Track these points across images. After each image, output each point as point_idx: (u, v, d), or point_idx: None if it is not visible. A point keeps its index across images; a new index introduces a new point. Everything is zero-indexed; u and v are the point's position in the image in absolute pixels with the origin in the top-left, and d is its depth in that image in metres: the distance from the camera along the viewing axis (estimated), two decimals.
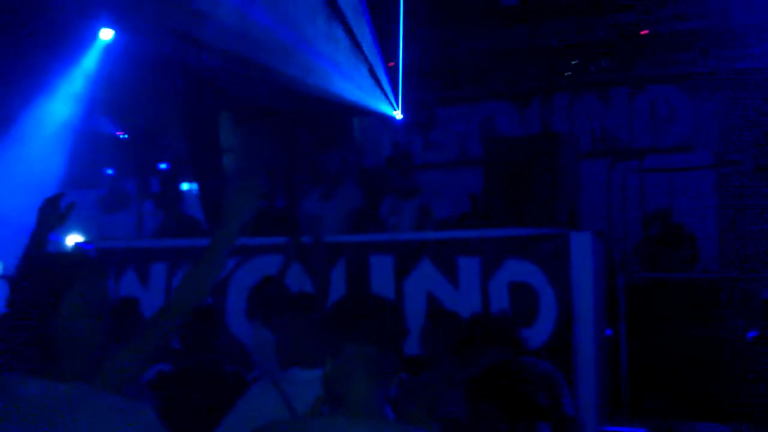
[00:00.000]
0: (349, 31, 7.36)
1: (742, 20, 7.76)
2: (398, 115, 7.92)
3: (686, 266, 6.41)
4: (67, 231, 6.51)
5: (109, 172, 7.59)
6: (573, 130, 9.19)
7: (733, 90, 8.48)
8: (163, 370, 3.43)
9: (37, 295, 1.79)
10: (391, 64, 8.08)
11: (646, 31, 8.39)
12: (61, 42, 7.11)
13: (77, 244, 4.94)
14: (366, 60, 7.50)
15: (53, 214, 2.72)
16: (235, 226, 2.29)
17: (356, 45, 7.45)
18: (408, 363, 3.28)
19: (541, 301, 4.00)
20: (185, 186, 8.10)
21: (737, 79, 8.31)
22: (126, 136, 8.53)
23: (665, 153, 8.57)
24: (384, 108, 7.93)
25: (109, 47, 7.43)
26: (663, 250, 6.38)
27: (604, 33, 8.32)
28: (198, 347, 3.51)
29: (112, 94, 7.64)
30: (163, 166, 8.09)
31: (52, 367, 1.78)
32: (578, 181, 5.86)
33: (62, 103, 7.53)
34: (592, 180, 8.54)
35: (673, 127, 8.88)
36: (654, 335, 5.14)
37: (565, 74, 9.14)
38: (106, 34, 7.31)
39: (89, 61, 7.55)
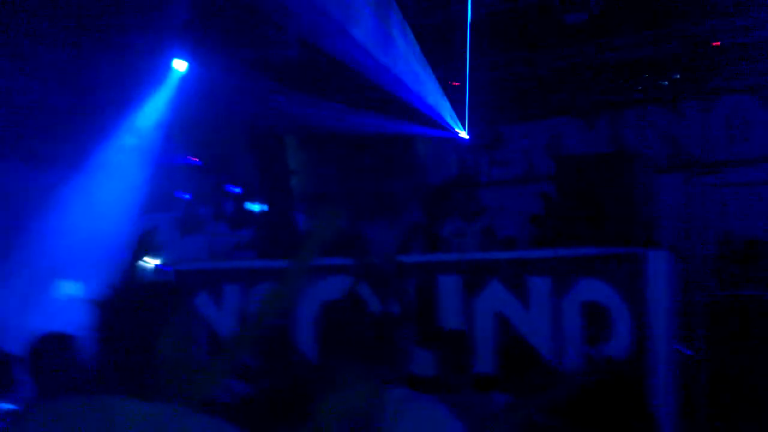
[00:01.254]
0: (417, 50, 7.41)
1: None
2: (464, 135, 7.90)
3: (764, 282, 6.14)
4: (146, 253, 6.76)
5: (186, 196, 7.85)
6: (644, 145, 8.99)
7: None
8: (241, 392, 3.48)
9: (142, 323, 1.88)
10: (457, 83, 8.08)
11: (717, 43, 8.15)
12: (136, 76, 7.44)
13: (157, 266, 5.12)
14: (434, 80, 7.54)
15: (149, 244, 2.84)
16: (315, 250, 2.34)
17: (423, 64, 7.50)
18: (477, 380, 3.27)
19: (616, 322, 3.90)
20: (256, 207, 8.29)
21: None
22: (199, 162, 8.82)
23: (743, 166, 8.28)
24: (450, 128, 7.94)
25: (184, 78, 7.72)
26: (744, 268, 6.13)
27: (673, 46, 8.12)
28: (274, 368, 3.55)
29: (186, 123, 7.92)
30: (236, 189, 8.31)
31: (152, 390, 1.85)
32: (653, 199, 5.71)
33: (139, 133, 7.86)
34: (669, 195, 8.33)
35: (750, 139, 8.57)
36: (734, 354, 4.95)
37: (636, 89, 8.96)
38: (181, 66, 7.60)
39: (165, 92, 7.86)
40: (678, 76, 8.67)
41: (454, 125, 7.90)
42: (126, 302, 1.91)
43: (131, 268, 2.75)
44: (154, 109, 7.87)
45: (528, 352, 3.94)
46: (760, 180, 7.84)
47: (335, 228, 2.43)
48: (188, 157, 8.81)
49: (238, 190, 8.31)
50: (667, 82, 8.78)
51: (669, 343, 3.89)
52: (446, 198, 5.76)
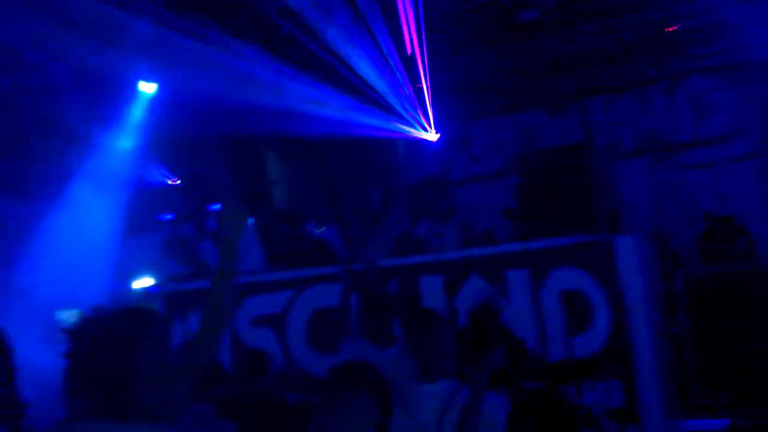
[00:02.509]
0: (380, 57, 7.51)
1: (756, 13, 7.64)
2: (433, 135, 8.03)
3: (742, 258, 6.34)
4: (133, 276, 6.81)
5: (168, 217, 7.90)
6: (613, 131, 9.17)
7: None
8: (219, 399, 3.53)
9: (117, 348, 1.95)
10: (419, 85, 8.18)
11: (673, 27, 8.33)
12: (105, 99, 7.47)
13: (145, 289, 5.19)
14: (398, 83, 7.65)
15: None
16: (232, 254, 2.42)
17: (387, 69, 7.60)
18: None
19: (594, 306, 4.06)
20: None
21: None
22: (179, 181, 8.87)
23: (708, 145, 8.49)
24: (419, 130, 8.06)
25: (153, 99, 7.77)
26: (719, 246, 6.33)
27: (629, 34, 8.29)
28: (253, 375, 3.62)
29: (160, 143, 7.97)
30: (217, 206, 8.36)
31: (127, 412, 1.92)
32: (616, 185, 5.88)
33: (113, 156, 7.90)
34: (637, 178, 8.52)
35: (714, 119, 8.79)
36: (717, 328, 5.11)
37: (598, 78, 9.14)
38: (149, 88, 7.65)
39: (135, 114, 7.90)
40: (638, 64, 8.86)
41: (422, 126, 8.02)
42: (98, 329, 1.97)
43: (112, 294, 2.79)
44: (125, 133, 7.92)
45: (512, 345, 4.07)
46: (727, 158, 8.04)
47: (242, 228, 2.50)
48: (167, 177, 8.86)
49: (219, 206, 8.35)
50: (629, 69, 8.97)
51: (649, 324, 4.04)
52: (422, 198, 5.88)
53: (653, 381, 3.96)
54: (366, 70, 7.26)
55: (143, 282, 6.58)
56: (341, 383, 2.55)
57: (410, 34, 7.08)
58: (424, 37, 7.10)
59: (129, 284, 6.48)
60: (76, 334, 1.98)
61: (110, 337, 1.95)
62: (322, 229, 7.63)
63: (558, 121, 9.60)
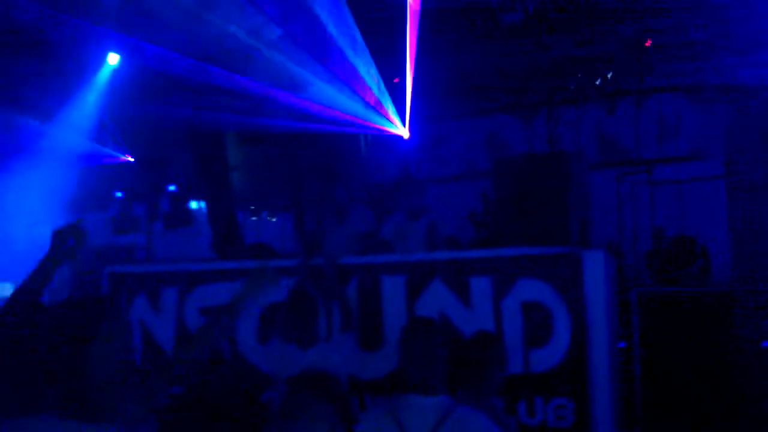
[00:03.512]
0: (356, 49, 7.38)
1: (740, 30, 7.74)
2: (405, 132, 7.91)
3: (699, 278, 6.38)
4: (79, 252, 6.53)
5: (118, 194, 7.62)
6: (580, 141, 9.20)
7: (739, 99, 8.44)
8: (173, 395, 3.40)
9: (63, 343, 1.81)
10: (396, 80, 8.07)
11: (649, 42, 8.38)
12: (68, 67, 7.16)
13: (85, 269, 4.95)
14: (373, 78, 7.52)
15: (64, 245, 2.69)
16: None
17: (362, 63, 7.46)
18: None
19: (555, 320, 3.97)
20: (194, 205, 8.12)
21: (742, 88, 8.28)
22: (133, 159, 8.58)
23: (674, 162, 8.57)
24: (391, 126, 7.94)
25: (116, 71, 7.47)
26: (673, 264, 6.36)
27: (607, 45, 8.32)
28: (204, 371, 3.49)
29: (119, 117, 7.69)
30: (171, 187, 8.11)
31: (80, 407, 1.80)
32: (587, 198, 5.84)
33: (69, 128, 7.58)
34: (601, 191, 8.56)
35: (681, 137, 8.87)
36: (667, 347, 5.12)
37: (571, 87, 9.15)
38: (113, 59, 7.35)
39: (96, 86, 7.60)
40: (611, 76, 8.89)
41: (395, 123, 7.90)
42: (48, 322, 1.85)
43: (42, 274, 2.61)
44: (85, 104, 7.60)
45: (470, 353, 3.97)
46: (688, 177, 8.12)
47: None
48: (123, 154, 8.56)
49: (174, 188, 8.12)
50: (600, 81, 9.00)
51: (608, 340, 3.97)
52: (389, 197, 5.77)
53: (607, 401, 3.90)
54: (343, 60, 7.10)
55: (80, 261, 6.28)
56: (301, 390, 2.46)
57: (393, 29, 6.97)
58: (406, 33, 6.99)
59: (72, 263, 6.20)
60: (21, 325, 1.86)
61: (59, 331, 1.84)
62: (274, 219, 7.46)
63: (526, 127, 9.59)
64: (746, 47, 7.97)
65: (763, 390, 4.72)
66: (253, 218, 6.32)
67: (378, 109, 7.73)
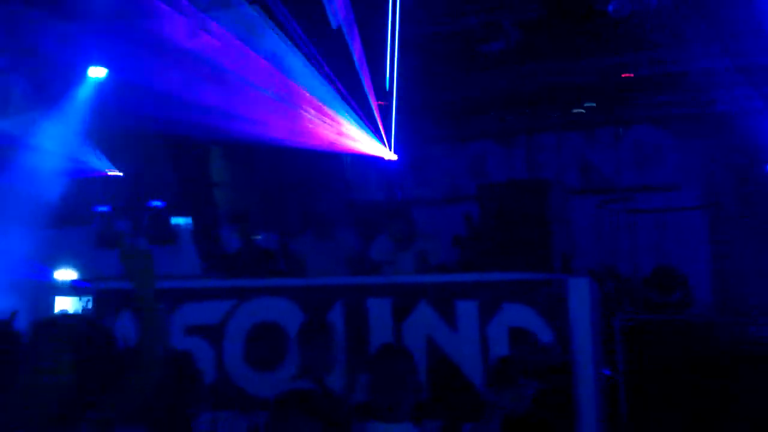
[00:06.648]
0: (341, 71, 7.43)
1: (709, 66, 7.91)
2: (392, 155, 7.96)
3: (679, 307, 6.44)
4: (60, 267, 6.45)
5: (102, 209, 7.54)
6: (560, 168, 9.32)
7: (716, 132, 8.64)
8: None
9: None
10: (382, 102, 8.13)
11: (629, 75, 8.54)
12: (52, 81, 7.12)
13: (73, 282, 4.91)
14: (360, 99, 7.57)
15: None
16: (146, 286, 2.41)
17: (348, 84, 7.52)
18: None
19: (542, 347, 4.00)
20: (179, 221, 8.07)
21: (720, 120, 8.48)
22: (119, 173, 8.52)
23: (653, 192, 8.70)
24: (377, 148, 7.98)
25: (101, 85, 7.44)
26: (654, 293, 6.42)
27: (587, 76, 8.46)
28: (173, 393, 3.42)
29: (104, 132, 7.64)
30: (156, 203, 8.06)
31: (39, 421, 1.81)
32: (570, 225, 5.92)
33: (54, 141, 7.51)
34: (582, 218, 8.65)
35: (660, 167, 9.02)
36: (649, 376, 5.15)
37: (551, 115, 9.29)
38: (98, 72, 7.33)
39: (80, 100, 7.55)
40: (593, 105, 9.04)
41: (381, 145, 7.95)
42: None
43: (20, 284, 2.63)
44: (70, 117, 7.54)
45: (457, 377, 3.98)
46: (670, 207, 8.24)
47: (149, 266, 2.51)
48: (107, 168, 8.49)
49: (159, 203, 8.07)
50: (582, 110, 9.15)
51: (593, 367, 4.01)
52: (375, 218, 5.77)
53: (593, 425, 3.93)
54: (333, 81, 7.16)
55: (66, 274, 6.23)
56: (289, 409, 2.44)
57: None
58: (395, 58, 7.07)
59: (51, 276, 6.14)
60: None
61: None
62: (259, 237, 7.43)
63: (507, 153, 9.70)
64: (724, 80, 8.17)
65: (747, 414, 4.77)
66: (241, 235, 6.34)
67: (365, 130, 7.78)
